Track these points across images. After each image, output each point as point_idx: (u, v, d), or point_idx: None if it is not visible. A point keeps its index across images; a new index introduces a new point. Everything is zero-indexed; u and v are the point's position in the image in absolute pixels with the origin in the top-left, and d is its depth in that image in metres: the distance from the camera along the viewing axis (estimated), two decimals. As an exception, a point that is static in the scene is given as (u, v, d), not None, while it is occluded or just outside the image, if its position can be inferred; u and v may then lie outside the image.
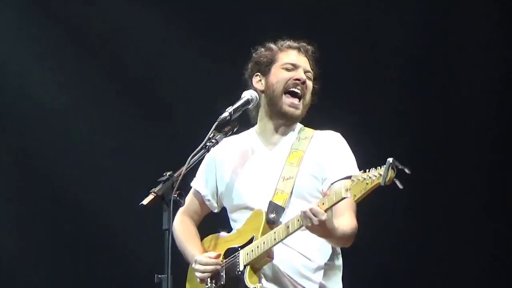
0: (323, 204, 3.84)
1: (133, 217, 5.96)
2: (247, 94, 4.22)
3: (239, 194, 4.29)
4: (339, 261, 4.23)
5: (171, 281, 3.63)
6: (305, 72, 4.30)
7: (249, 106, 4.21)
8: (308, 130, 4.34)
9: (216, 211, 4.47)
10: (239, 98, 4.21)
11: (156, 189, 3.73)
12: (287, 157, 4.25)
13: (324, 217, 3.81)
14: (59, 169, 6.68)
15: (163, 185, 3.74)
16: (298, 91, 4.25)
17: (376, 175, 3.64)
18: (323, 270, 4.13)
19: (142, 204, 3.71)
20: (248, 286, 4.03)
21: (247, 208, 4.24)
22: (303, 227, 3.90)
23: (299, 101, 4.26)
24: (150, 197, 3.72)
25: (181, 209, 4.42)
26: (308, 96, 4.29)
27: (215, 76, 6.39)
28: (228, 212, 4.38)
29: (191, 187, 4.43)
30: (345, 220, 4.01)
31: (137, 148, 6.63)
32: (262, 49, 4.38)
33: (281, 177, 4.20)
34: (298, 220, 3.91)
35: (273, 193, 4.18)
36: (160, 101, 6.65)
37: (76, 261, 6.65)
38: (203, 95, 6.35)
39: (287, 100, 4.25)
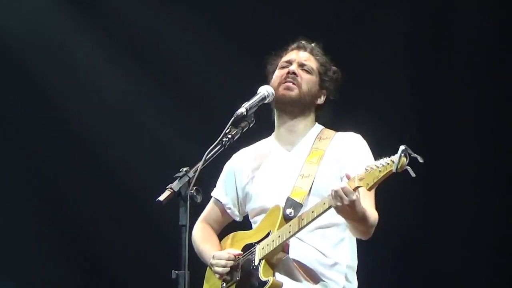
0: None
1: (151, 213, 6.00)
2: (263, 90, 4.21)
3: (258, 197, 4.31)
4: (355, 260, 4.23)
5: (188, 277, 3.64)
6: (301, 65, 4.33)
7: (265, 102, 4.20)
8: (329, 131, 4.36)
9: (238, 219, 4.49)
10: (255, 93, 4.22)
11: (172, 185, 3.73)
12: (307, 156, 4.25)
13: (354, 197, 3.80)
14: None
15: (179, 181, 3.73)
16: (289, 79, 4.28)
17: (389, 162, 3.65)
18: (338, 267, 4.13)
19: (158, 200, 3.71)
20: (262, 279, 4.03)
21: (265, 210, 4.24)
22: (319, 216, 3.90)
23: (293, 85, 4.27)
24: (167, 193, 3.72)
25: (200, 218, 4.49)
26: (306, 86, 4.30)
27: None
28: (249, 218, 4.39)
29: (210, 186, 4.44)
30: (368, 208, 4.01)
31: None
32: (272, 58, 4.46)
33: (300, 175, 4.21)
34: (324, 204, 3.90)
35: (291, 189, 4.18)
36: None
37: (94, 257, 6.69)
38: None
39: (281, 88, 4.29)
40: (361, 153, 4.21)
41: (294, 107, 4.31)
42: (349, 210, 3.84)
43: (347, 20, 6.42)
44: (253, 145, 4.47)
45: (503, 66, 6.21)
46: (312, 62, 4.37)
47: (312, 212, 3.94)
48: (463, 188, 6.20)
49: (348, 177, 3.85)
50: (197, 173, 3.78)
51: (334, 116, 4.44)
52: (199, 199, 3.76)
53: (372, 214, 4.02)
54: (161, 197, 3.72)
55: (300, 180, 4.19)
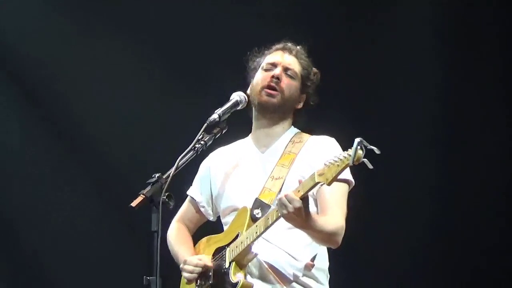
0: (298, 191, 3.82)
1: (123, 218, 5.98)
2: (235, 96, 4.22)
3: (228, 196, 4.31)
4: (326, 263, 4.22)
5: (160, 283, 3.63)
6: (286, 69, 4.33)
7: (238, 108, 4.21)
8: (304, 135, 4.35)
9: (211, 218, 4.48)
10: (228, 99, 4.22)
11: (145, 191, 3.72)
12: (278, 158, 4.26)
13: (299, 204, 3.78)
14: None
15: (152, 187, 3.74)
16: (272, 84, 4.27)
17: (346, 155, 3.65)
18: (308, 270, 4.12)
19: (130, 206, 3.71)
20: (232, 281, 4.02)
21: (235, 209, 4.24)
22: (281, 218, 3.87)
23: (276, 91, 4.27)
24: (139, 199, 3.72)
25: (176, 217, 4.48)
26: (288, 92, 4.30)
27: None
28: (221, 218, 4.39)
29: (182, 192, 4.44)
30: (329, 216, 4.01)
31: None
32: (254, 55, 4.44)
33: (270, 177, 4.21)
34: (277, 211, 3.90)
35: (260, 190, 4.18)
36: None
37: (63, 262, 6.65)
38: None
39: (263, 92, 4.28)
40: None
41: (275, 113, 4.31)
42: (296, 218, 3.83)
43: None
44: (230, 145, 4.47)
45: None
46: (296, 67, 4.36)
47: (277, 211, 3.93)
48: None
49: (299, 182, 3.84)
50: (169, 179, 3.78)
51: (310, 119, 4.43)
52: (171, 205, 3.76)
53: (330, 224, 4.00)
54: (133, 203, 3.72)
55: (270, 182, 4.19)
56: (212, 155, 4.47)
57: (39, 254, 6.64)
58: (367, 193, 5.00)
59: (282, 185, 4.16)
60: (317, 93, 4.41)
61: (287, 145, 4.30)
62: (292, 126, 4.38)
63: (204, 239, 4.38)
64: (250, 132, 4.42)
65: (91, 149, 6.68)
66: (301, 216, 3.82)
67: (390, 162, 5.56)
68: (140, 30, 6.60)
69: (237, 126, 4.26)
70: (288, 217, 3.84)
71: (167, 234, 4.42)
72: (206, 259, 4.17)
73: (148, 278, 3.63)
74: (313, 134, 4.35)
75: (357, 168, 3.68)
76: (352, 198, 4.20)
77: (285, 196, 3.79)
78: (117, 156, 6.62)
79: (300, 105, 4.38)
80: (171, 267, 4.30)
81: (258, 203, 4.13)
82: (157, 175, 3.77)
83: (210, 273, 4.15)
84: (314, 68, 4.43)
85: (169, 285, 3.92)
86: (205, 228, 4.53)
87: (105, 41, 6.64)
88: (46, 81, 6.63)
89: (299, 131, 4.38)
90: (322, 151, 4.19)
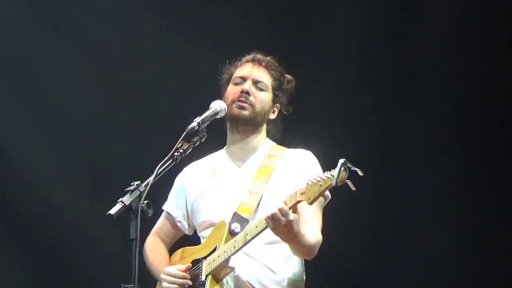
0: (285, 204, 3.82)
1: (100, 226, 5.96)
2: (215, 105, 4.20)
3: (205, 211, 4.30)
4: (303, 276, 4.23)
5: (138, 291, 3.63)
6: (255, 82, 4.32)
7: (218, 117, 4.20)
8: (280, 148, 4.35)
9: (187, 233, 4.48)
10: (207, 108, 4.22)
11: (123, 199, 3.71)
12: (255, 172, 4.25)
13: (292, 217, 3.79)
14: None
15: (131, 195, 3.72)
16: (242, 99, 4.27)
17: (329, 176, 3.66)
18: (286, 283, 4.13)
19: (109, 213, 3.70)
20: None
21: (212, 224, 4.23)
22: (263, 231, 3.88)
23: (246, 104, 4.27)
24: (118, 206, 3.70)
25: (152, 231, 4.48)
26: (259, 105, 4.30)
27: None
28: (198, 232, 4.38)
29: (160, 206, 4.44)
30: (310, 230, 4.01)
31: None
32: (227, 67, 4.44)
33: (248, 191, 4.21)
34: (256, 226, 3.90)
35: (238, 205, 4.18)
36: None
37: (39, 270, 6.62)
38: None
39: (234, 105, 4.28)
40: (311, 170, 4.18)
41: (247, 126, 4.31)
42: (285, 231, 3.84)
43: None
44: (204, 158, 4.47)
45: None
46: (266, 79, 4.36)
47: (256, 227, 3.94)
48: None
49: (286, 203, 3.83)
50: (148, 187, 3.77)
51: (285, 130, 4.44)
52: (150, 213, 3.75)
53: (312, 238, 4.02)
54: (112, 211, 3.70)
55: (248, 196, 4.19)
56: (186, 170, 4.46)
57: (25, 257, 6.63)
58: (344, 205, 5.00)
59: (260, 199, 4.16)
60: (291, 102, 4.42)
61: (264, 159, 4.30)
62: (267, 139, 4.38)
63: (179, 251, 4.37)
64: (224, 144, 4.42)
65: (73, 153, 6.67)
66: (291, 229, 3.82)
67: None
68: (126, 32, 6.60)
69: (213, 136, 4.26)
70: (278, 231, 3.84)
71: (144, 247, 4.41)
72: (182, 274, 4.15)
73: (126, 286, 3.63)
74: (290, 147, 4.36)
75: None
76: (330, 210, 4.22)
77: (280, 210, 3.79)
78: (96, 163, 6.61)
79: (274, 116, 4.38)
80: (150, 276, 4.31)
81: (237, 218, 4.13)
82: (135, 183, 3.76)
83: (186, 286, 4.15)
84: (288, 76, 4.43)
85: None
86: (181, 240, 4.52)
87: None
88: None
89: (275, 144, 4.38)
90: (299, 166, 4.21)
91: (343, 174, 3.60)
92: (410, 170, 6.32)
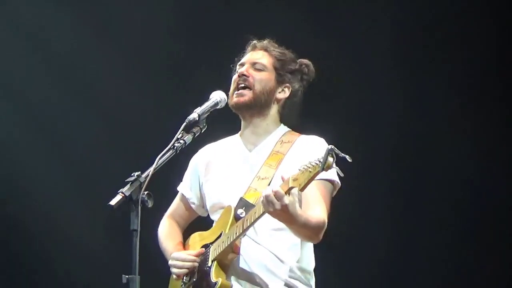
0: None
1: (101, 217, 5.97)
2: (215, 95, 4.21)
3: (214, 194, 4.32)
4: (311, 263, 4.23)
5: (139, 282, 3.64)
6: (253, 64, 4.33)
7: (218, 107, 4.21)
8: (294, 134, 4.34)
9: (201, 214, 4.49)
10: (207, 99, 4.22)
11: (124, 190, 3.72)
12: (266, 158, 4.26)
13: (287, 201, 3.78)
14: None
15: (131, 186, 3.73)
16: (240, 82, 4.29)
17: (317, 162, 3.68)
18: (294, 270, 4.14)
19: (109, 204, 3.71)
20: (212, 280, 4.04)
21: (222, 207, 4.25)
22: (261, 216, 3.89)
23: (244, 89, 4.28)
24: (118, 197, 3.71)
25: (166, 213, 4.51)
26: (259, 85, 4.30)
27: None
28: (210, 215, 4.39)
29: (165, 189, 4.44)
30: (312, 212, 4.01)
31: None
32: (236, 63, 4.45)
33: (256, 177, 4.21)
34: (255, 212, 3.91)
35: (245, 190, 4.19)
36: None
37: (42, 260, 6.64)
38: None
39: (234, 95, 4.31)
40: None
41: (251, 109, 4.31)
42: (282, 214, 3.83)
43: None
44: (219, 141, 4.48)
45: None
46: (264, 59, 4.36)
47: (255, 213, 3.95)
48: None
49: (283, 179, 3.84)
50: (148, 178, 3.78)
51: (301, 117, 4.42)
52: (150, 203, 3.75)
53: (316, 217, 4.00)
54: (112, 202, 3.70)
55: (256, 182, 4.20)
56: (201, 151, 4.48)
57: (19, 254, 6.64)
58: (356, 194, 5.01)
59: (268, 185, 4.14)
60: (310, 83, 4.40)
61: (276, 144, 4.30)
62: (282, 124, 4.37)
63: (196, 234, 4.38)
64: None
65: (70, 147, 6.68)
66: (287, 212, 3.82)
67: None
68: (118, 33, 6.60)
69: (230, 122, 4.29)
70: (274, 214, 3.84)
71: (158, 229, 4.44)
72: (192, 258, 4.18)
73: (127, 276, 3.64)
74: (304, 133, 4.34)
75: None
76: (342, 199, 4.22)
77: (274, 193, 3.79)
78: (97, 155, 6.62)
79: (283, 95, 4.37)
80: (150, 266, 4.31)
81: (243, 203, 4.13)
82: (136, 173, 3.76)
83: (196, 270, 4.17)
84: (303, 60, 4.41)
85: (147, 284, 3.92)
86: (198, 223, 4.52)
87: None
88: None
89: (289, 129, 4.37)
90: (310, 153, 4.14)
91: (330, 161, 3.62)
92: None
